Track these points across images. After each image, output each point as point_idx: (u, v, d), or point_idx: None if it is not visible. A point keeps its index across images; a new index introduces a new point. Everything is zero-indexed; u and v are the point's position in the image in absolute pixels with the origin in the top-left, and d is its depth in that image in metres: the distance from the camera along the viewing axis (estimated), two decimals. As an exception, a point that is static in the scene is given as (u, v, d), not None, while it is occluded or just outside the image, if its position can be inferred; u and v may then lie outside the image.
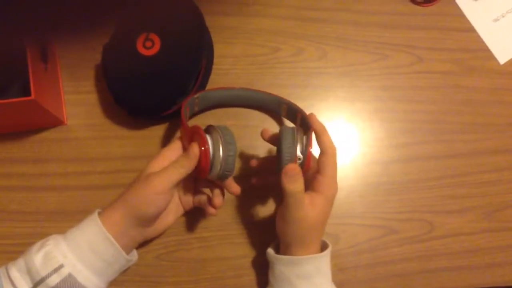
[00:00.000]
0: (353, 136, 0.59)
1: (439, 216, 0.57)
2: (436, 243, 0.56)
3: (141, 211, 0.43)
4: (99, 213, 0.44)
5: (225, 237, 0.55)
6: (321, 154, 0.45)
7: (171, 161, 0.44)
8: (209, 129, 0.46)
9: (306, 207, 0.44)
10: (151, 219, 0.46)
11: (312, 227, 0.45)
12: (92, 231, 0.42)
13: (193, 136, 0.45)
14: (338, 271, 0.54)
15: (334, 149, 0.46)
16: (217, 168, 0.43)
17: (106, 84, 0.54)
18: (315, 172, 0.46)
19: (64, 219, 0.53)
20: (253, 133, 0.57)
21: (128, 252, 0.45)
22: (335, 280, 0.48)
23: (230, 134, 0.44)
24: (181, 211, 0.51)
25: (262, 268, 0.53)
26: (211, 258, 0.54)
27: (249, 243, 0.54)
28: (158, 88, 0.52)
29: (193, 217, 0.55)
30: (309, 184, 0.45)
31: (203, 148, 0.43)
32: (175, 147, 0.47)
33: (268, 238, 0.52)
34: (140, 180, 0.44)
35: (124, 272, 0.52)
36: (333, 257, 0.54)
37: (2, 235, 0.53)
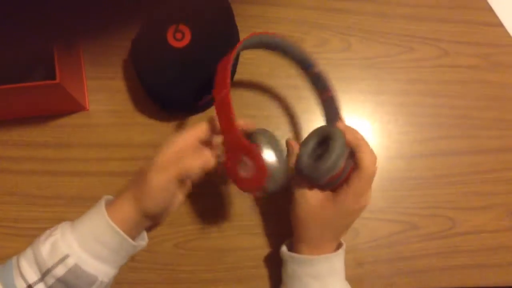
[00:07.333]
0: (376, 129, 0.58)
1: (461, 213, 0.56)
2: (458, 239, 0.55)
3: (144, 205, 0.42)
4: (109, 203, 0.43)
5: (243, 227, 0.54)
6: (356, 169, 0.42)
7: (183, 152, 0.42)
8: (256, 138, 0.43)
9: (309, 207, 0.43)
10: (157, 214, 0.44)
11: (322, 226, 0.44)
12: (98, 221, 0.41)
13: (240, 149, 0.41)
14: (357, 266, 0.53)
15: (371, 170, 0.42)
16: (277, 183, 0.42)
17: (138, 78, 0.53)
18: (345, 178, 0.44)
19: (84, 205, 0.52)
20: (273, 124, 0.57)
21: (136, 236, 0.45)
22: (354, 275, 0.47)
23: (280, 149, 0.42)
24: (190, 186, 0.48)
25: (279, 259, 0.53)
26: (228, 248, 0.54)
27: (267, 234, 0.54)
28: (190, 79, 0.51)
29: (211, 207, 0.54)
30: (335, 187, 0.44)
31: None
32: (189, 136, 0.43)
33: (286, 229, 0.51)
34: (142, 173, 0.42)
35: (142, 260, 0.52)
36: (352, 251, 0.53)
37: (22, 219, 0.53)
